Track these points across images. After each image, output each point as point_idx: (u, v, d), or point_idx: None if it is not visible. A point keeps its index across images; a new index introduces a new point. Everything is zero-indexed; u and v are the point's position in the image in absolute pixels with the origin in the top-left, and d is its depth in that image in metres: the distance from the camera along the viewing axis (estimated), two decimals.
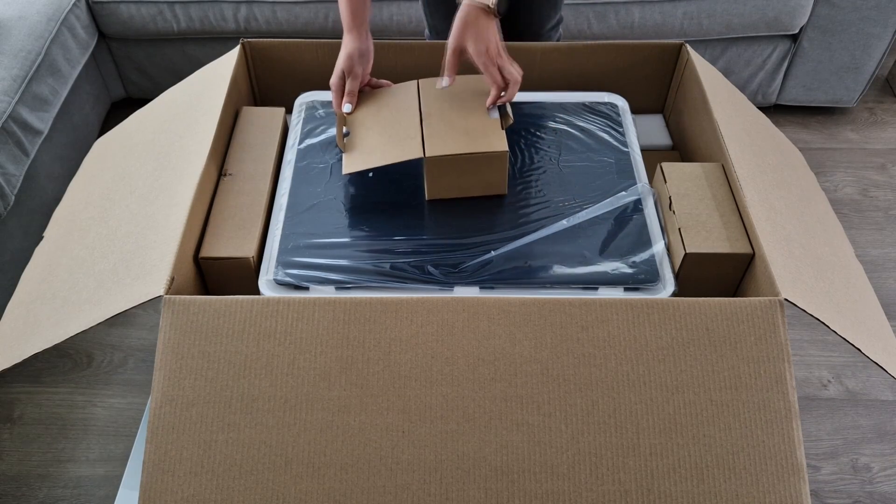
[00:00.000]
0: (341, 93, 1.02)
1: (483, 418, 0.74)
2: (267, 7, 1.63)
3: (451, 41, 0.95)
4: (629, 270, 0.89)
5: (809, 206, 0.98)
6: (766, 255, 0.83)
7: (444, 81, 0.98)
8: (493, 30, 0.94)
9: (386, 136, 0.98)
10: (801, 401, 1.32)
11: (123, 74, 1.82)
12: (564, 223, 0.94)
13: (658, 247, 0.91)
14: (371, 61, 1.04)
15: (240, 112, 1.10)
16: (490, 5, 0.92)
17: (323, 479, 0.73)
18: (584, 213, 0.95)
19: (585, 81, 1.20)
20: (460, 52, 0.95)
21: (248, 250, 0.90)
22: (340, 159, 1.02)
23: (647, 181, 1.00)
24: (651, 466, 0.73)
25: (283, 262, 0.89)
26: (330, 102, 1.11)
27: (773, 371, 0.75)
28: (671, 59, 1.18)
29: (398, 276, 0.88)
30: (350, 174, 0.97)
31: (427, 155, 0.92)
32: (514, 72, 0.95)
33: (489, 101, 0.97)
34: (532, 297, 0.78)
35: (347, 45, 1.01)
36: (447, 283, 0.87)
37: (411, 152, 0.93)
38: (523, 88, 1.18)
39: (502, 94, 0.97)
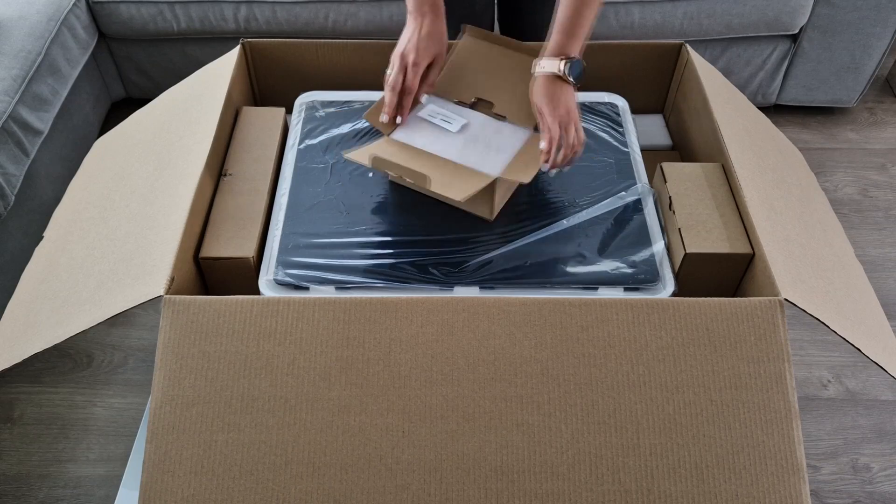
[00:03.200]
0: (395, 93, 0.94)
1: (483, 418, 0.74)
2: (267, 7, 1.63)
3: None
4: (629, 270, 0.89)
5: (809, 206, 0.98)
6: (766, 255, 0.83)
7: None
8: (567, 94, 0.93)
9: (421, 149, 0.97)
10: (801, 401, 1.32)
11: (123, 74, 1.83)
12: (564, 223, 0.94)
13: (658, 247, 0.91)
14: (442, 51, 0.97)
15: (240, 112, 1.10)
16: (558, 72, 0.92)
17: (323, 479, 0.73)
18: (584, 213, 0.95)
19: (585, 81, 1.20)
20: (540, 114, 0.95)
21: (248, 250, 0.90)
22: (340, 161, 1.02)
23: (647, 181, 1.00)
24: (651, 466, 0.73)
25: (283, 262, 0.89)
26: (331, 102, 1.11)
27: (773, 371, 0.75)
28: (671, 59, 1.18)
29: (398, 276, 0.88)
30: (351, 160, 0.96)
31: (434, 191, 0.91)
32: (581, 136, 0.94)
33: (542, 158, 0.94)
34: (532, 297, 0.78)
35: (408, 29, 0.95)
36: (447, 283, 0.87)
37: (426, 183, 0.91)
38: None
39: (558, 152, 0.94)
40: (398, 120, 0.97)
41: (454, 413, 0.74)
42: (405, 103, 0.96)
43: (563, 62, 0.93)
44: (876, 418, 1.30)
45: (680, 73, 1.17)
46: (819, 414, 1.31)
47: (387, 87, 0.96)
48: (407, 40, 0.96)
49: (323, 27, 1.66)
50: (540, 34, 1.29)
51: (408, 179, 0.92)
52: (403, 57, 0.95)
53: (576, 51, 0.94)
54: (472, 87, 1.04)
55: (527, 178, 0.92)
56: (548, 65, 0.93)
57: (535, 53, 0.98)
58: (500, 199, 0.95)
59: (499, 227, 0.94)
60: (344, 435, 0.74)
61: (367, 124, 1.05)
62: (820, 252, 0.90)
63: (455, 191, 0.88)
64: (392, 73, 0.95)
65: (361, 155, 0.94)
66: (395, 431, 0.74)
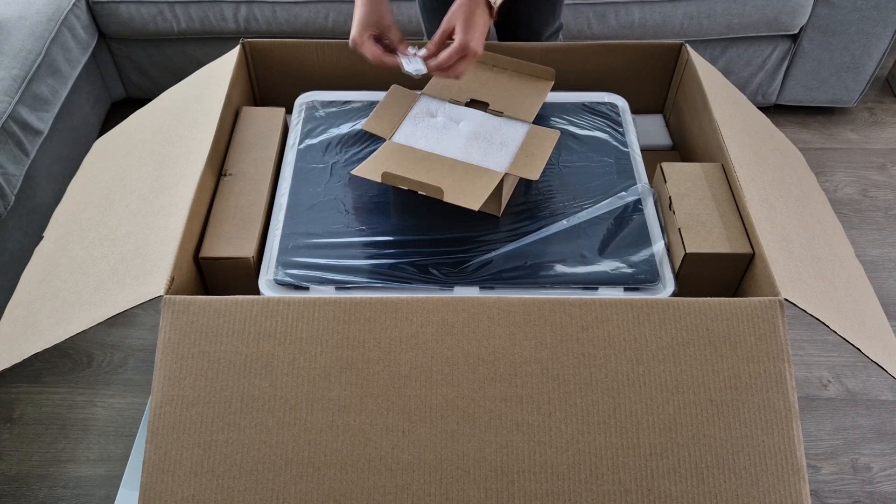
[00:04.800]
0: (384, 57, 0.95)
1: (483, 418, 0.74)
2: (267, 7, 1.63)
3: (444, 21, 0.95)
4: (629, 270, 0.89)
5: (809, 206, 0.98)
6: (765, 255, 0.83)
7: (420, 51, 0.97)
8: (485, 22, 0.93)
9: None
10: (801, 401, 1.32)
11: (123, 74, 1.83)
12: (564, 223, 0.94)
13: (658, 247, 0.91)
14: (389, 16, 0.97)
15: (240, 112, 1.10)
16: (491, 1, 0.93)
17: (323, 479, 0.73)
18: (584, 213, 0.95)
19: (585, 81, 1.20)
20: (450, 34, 0.94)
21: (248, 250, 0.90)
22: (340, 161, 1.02)
23: (647, 181, 1.00)
24: (651, 466, 0.73)
25: (283, 262, 0.89)
26: (331, 102, 1.11)
27: (773, 371, 0.75)
28: (671, 59, 1.18)
29: (398, 276, 0.88)
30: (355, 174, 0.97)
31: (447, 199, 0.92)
32: (479, 48, 0.94)
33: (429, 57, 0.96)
34: (532, 297, 0.78)
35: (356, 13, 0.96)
36: (447, 283, 0.87)
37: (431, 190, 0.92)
38: None
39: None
40: (419, 66, 0.96)
41: (454, 413, 0.74)
42: (400, 52, 0.97)
43: None
44: (876, 418, 1.30)
45: (680, 73, 1.17)
46: (819, 414, 1.31)
47: (375, 60, 0.96)
48: (357, 21, 0.96)
49: (323, 27, 1.67)
50: (536, 40, 1.30)
51: (420, 192, 0.93)
52: (363, 33, 0.95)
53: None
54: (465, 91, 1.05)
55: (535, 175, 0.92)
56: None
57: (523, 69, 1.00)
58: (507, 195, 0.96)
59: (499, 227, 0.94)
60: (344, 435, 0.74)
61: None
62: (820, 252, 0.90)
63: (468, 199, 0.89)
64: (366, 52, 0.96)
65: (370, 171, 0.94)
66: (395, 431, 0.74)
